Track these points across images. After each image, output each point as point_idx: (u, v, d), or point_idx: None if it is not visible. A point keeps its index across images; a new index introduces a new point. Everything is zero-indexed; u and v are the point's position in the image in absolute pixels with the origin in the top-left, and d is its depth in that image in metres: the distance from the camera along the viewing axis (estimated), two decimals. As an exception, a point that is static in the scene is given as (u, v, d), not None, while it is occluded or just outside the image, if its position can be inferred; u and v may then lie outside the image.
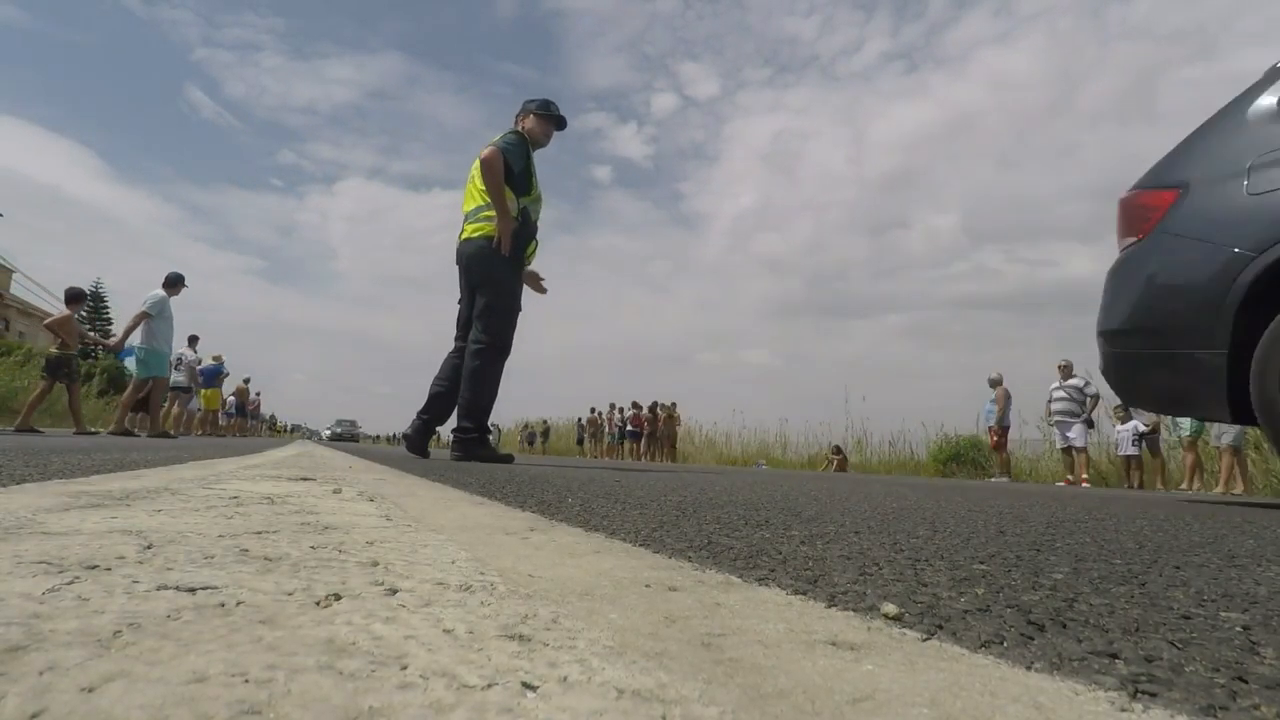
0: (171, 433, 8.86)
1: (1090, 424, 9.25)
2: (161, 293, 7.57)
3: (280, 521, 0.74)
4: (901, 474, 11.13)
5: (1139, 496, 4.27)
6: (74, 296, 7.34)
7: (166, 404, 10.57)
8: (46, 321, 7.40)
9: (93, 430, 7.84)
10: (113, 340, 7.82)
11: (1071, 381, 9.24)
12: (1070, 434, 9.11)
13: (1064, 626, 0.47)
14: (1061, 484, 8.57)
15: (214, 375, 13.43)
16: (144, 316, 7.37)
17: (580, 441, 19.84)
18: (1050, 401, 9.38)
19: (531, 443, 24.07)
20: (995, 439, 10.14)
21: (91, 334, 8.01)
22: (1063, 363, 9.38)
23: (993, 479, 9.75)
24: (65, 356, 7.06)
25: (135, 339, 7.54)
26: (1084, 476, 8.93)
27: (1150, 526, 1.43)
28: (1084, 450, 9.10)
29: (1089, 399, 9.08)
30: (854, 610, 0.49)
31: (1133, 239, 2.52)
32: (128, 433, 7.52)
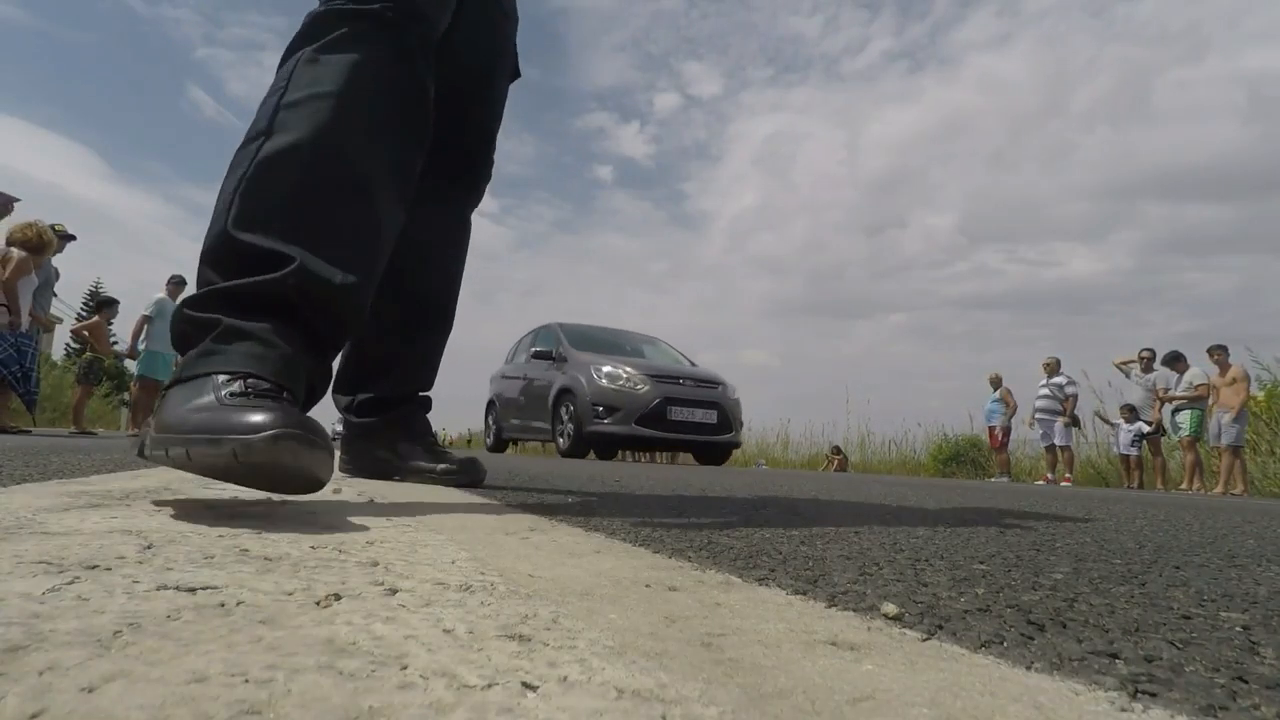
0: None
1: (1076, 423, 9.30)
2: (162, 294, 7.68)
3: (280, 521, 0.74)
4: (901, 474, 11.13)
5: (1138, 496, 4.27)
6: (104, 303, 7.74)
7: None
8: (75, 327, 7.53)
9: (92, 431, 7.89)
10: (125, 347, 7.97)
11: (1055, 380, 9.29)
12: (1051, 432, 9.19)
13: (1064, 626, 0.47)
14: (1062, 484, 8.56)
15: None
16: (144, 319, 7.52)
17: None
18: (1035, 399, 9.45)
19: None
20: (998, 439, 10.15)
21: (117, 346, 8.11)
22: (1048, 360, 9.41)
23: (993, 479, 9.75)
24: (97, 361, 7.36)
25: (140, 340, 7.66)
26: (1066, 476, 8.96)
27: (1150, 526, 1.43)
28: (1067, 448, 9.13)
29: (1068, 398, 9.13)
30: (854, 610, 0.49)
31: None
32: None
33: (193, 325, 0.85)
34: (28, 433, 5.64)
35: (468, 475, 1.48)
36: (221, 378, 0.77)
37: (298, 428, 0.68)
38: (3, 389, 5.66)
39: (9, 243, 5.58)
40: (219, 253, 0.91)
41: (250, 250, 0.88)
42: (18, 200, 5.98)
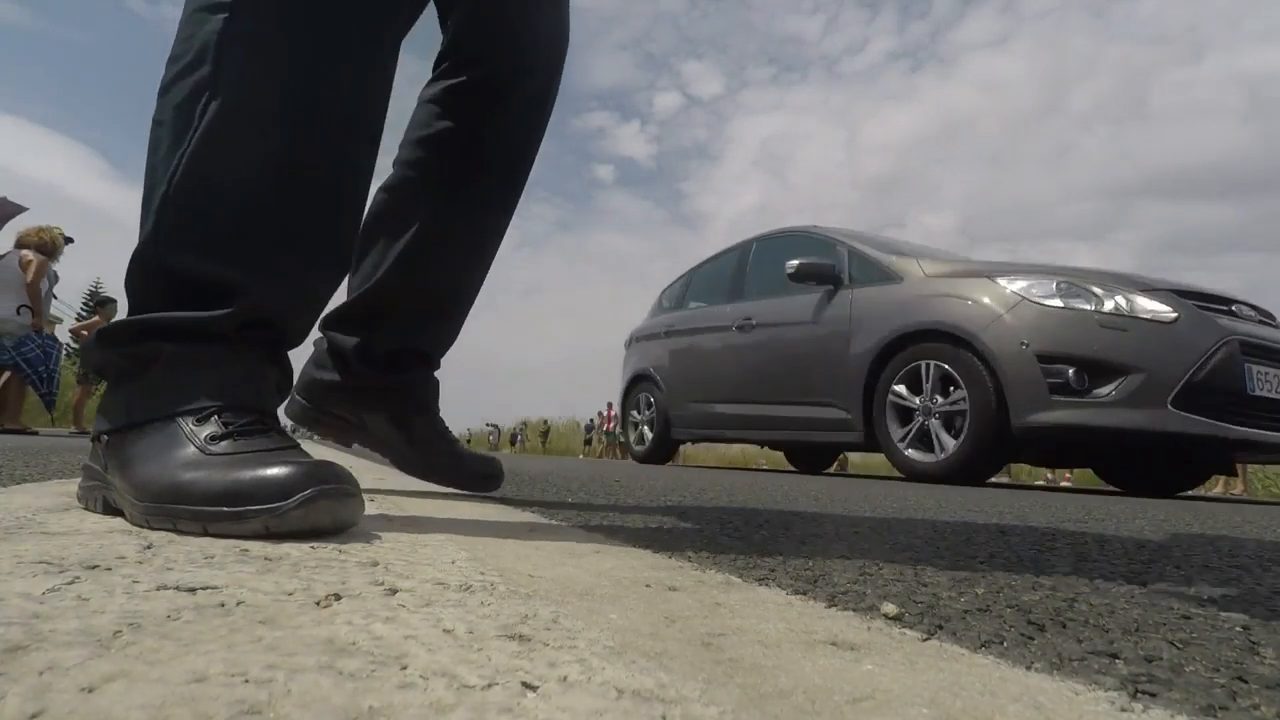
0: None
1: None
2: None
3: (280, 521, 0.74)
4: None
5: (1138, 496, 4.27)
6: (103, 303, 8.01)
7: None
8: (74, 327, 7.58)
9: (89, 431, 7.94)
10: None
11: None
12: None
13: (1064, 626, 0.47)
14: (1063, 484, 8.56)
15: None
16: None
17: (588, 442, 19.96)
18: None
19: (495, 445, 22.78)
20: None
21: None
22: None
23: (992, 479, 9.76)
24: None
25: None
26: (1067, 476, 8.95)
27: (1150, 526, 1.43)
28: None
29: None
30: (854, 610, 0.49)
31: None
32: None
33: (123, 359, 0.71)
34: (37, 433, 5.67)
35: (489, 467, 1.24)
36: (190, 421, 0.66)
37: (327, 481, 0.59)
38: (21, 389, 5.71)
39: (22, 245, 5.67)
40: (146, 273, 0.72)
41: (187, 277, 0.71)
42: (25, 209, 6.10)
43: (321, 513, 0.59)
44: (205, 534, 0.59)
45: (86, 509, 0.73)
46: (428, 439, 1.19)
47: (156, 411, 0.68)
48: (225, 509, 0.58)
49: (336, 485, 0.60)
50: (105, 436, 0.71)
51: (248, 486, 0.59)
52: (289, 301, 0.77)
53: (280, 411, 0.81)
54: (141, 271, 0.72)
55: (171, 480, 0.62)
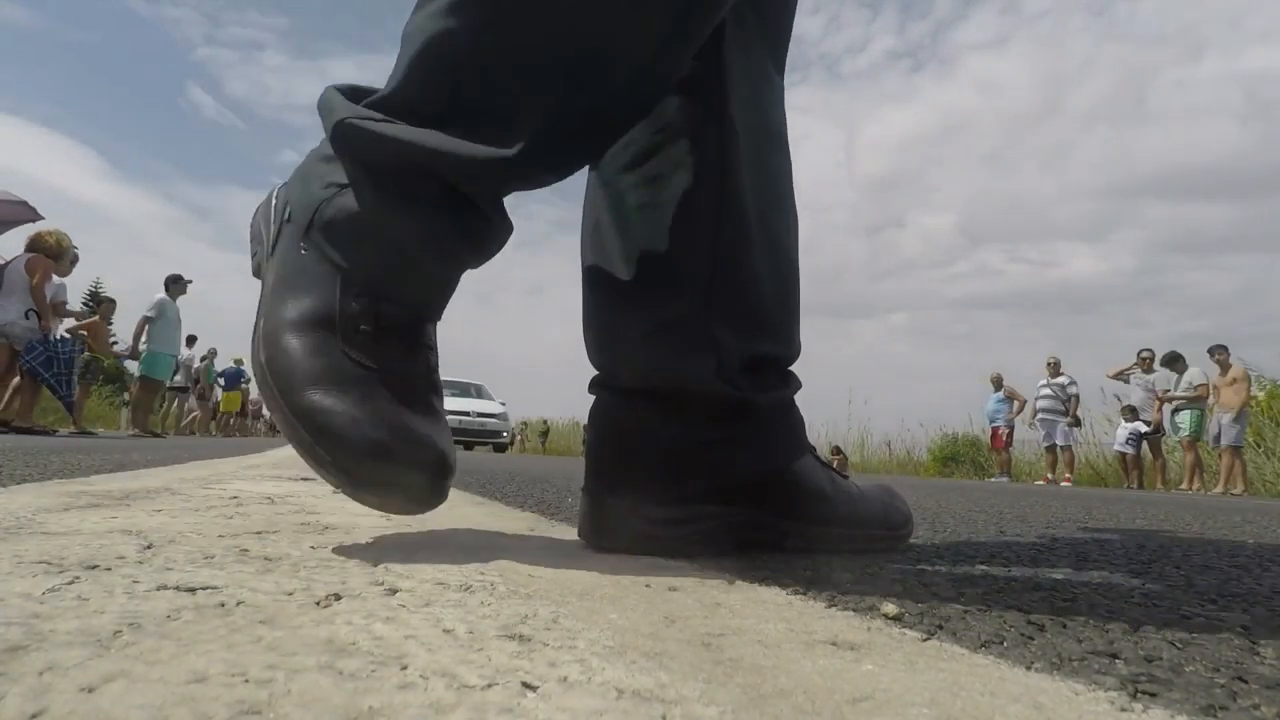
0: (159, 432, 8.92)
1: (1078, 423, 9.36)
2: (163, 295, 7.76)
3: (280, 521, 0.74)
4: (901, 474, 11.12)
5: (1138, 496, 4.27)
6: (102, 302, 7.95)
7: (165, 404, 10.70)
8: (72, 326, 7.58)
9: (92, 431, 7.90)
10: (125, 348, 8.04)
11: (1057, 380, 9.34)
12: (1053, 432, 9.26)
13: (1064, 626, 0.47)
14: (1063, 484, 8.57)
15: (235, 378, 13.58)
16: (145, 320, 7.64)
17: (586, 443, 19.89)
18: (1036, 399, 9.51)
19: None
20: (1003, 439, 10.17)
21: (116, 346, 8.13)
22: (1051, 359, 9.45)
23: (993, 479, 9.77)
24: (95, 360, 7.50)
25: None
26: (1067, 476, 8.98)
27: (1150, 526, 1.43)
28: (1068, 449, 9.17)
29: (1071, 398, 9.18)
30: (854, 610, 0.49)
31: None
32: (152, 434, 7.75)
33: (352, 170, 0.56)
34: (54, 433, 5.68)
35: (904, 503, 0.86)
36: (351, 303, 0.55)
37: (447, 458, 0.56)
38: (33, 389, 5.74)
39: (30, 248, 5.72)
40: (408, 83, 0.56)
41: (409, 99, 0.56)
42: (41, 219, 6.17)
43: (436, 494, 0.57)
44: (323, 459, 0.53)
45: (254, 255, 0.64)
46: (835, 488, 0.77)
47: (328, 250, 0.56)
48: (364, 453, 0.53)
49: (446, 464, 0.57)
50: (289, 214, 0.59)
51: (389, 440, 0.53)
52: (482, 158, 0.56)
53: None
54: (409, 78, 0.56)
55: (312, 403, 0.53)
